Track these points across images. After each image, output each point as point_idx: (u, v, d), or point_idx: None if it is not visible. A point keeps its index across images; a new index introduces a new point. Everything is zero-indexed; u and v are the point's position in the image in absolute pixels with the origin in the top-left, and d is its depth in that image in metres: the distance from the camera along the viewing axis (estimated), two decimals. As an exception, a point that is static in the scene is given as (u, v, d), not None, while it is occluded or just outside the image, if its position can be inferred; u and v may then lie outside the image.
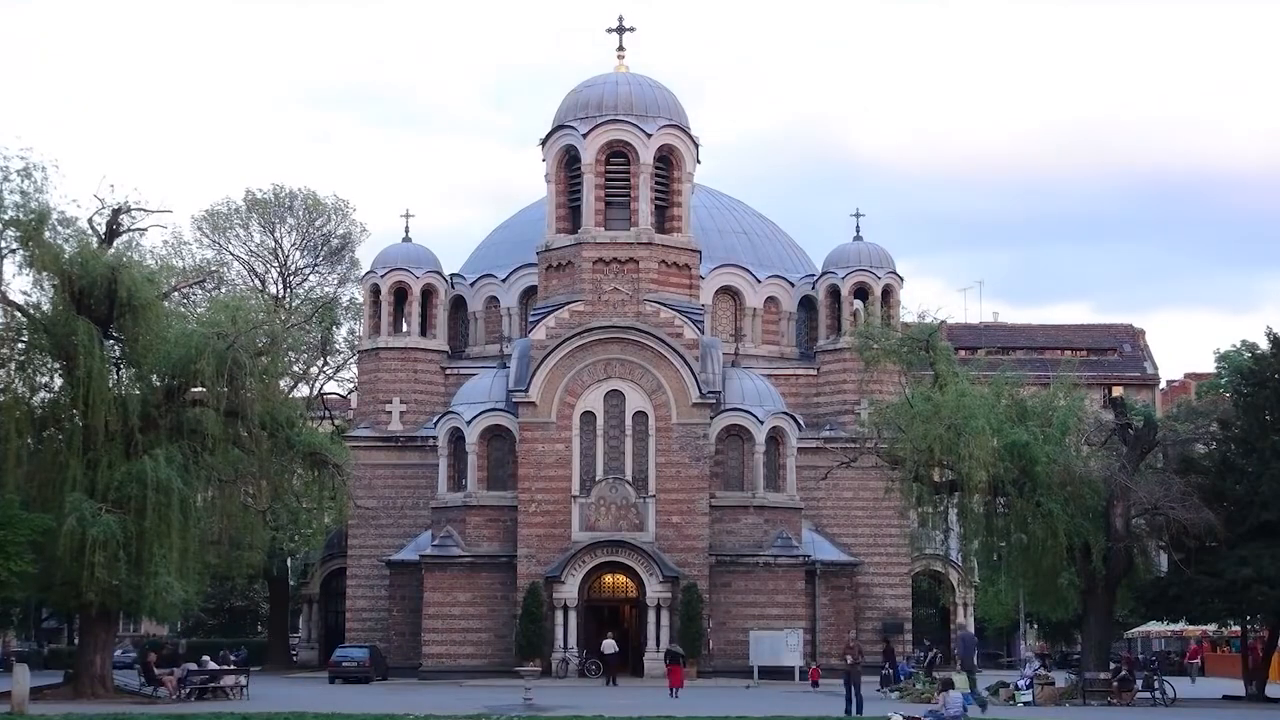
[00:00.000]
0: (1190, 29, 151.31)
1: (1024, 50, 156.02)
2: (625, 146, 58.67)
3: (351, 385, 72.12)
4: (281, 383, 50.11)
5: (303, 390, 69.08)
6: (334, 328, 72.22)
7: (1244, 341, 61.25)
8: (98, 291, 40.50)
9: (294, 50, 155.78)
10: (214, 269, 68.91)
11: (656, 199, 59.11)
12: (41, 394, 42.71)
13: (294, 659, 69.00)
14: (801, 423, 59.51)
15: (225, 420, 41.89)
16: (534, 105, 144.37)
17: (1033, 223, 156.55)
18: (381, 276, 63.85)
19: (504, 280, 64.82)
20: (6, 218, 40.81)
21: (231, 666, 49.36)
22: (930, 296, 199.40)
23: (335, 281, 75.84)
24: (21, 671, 36.48)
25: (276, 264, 74.83)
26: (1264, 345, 45.71)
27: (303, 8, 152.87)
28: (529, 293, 63.08)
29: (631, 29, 61.71)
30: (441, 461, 58.29)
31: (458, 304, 65.82)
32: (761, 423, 57.29)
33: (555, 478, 56.43)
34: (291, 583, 71.58)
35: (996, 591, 50.99)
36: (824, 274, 64.33)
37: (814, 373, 63.45)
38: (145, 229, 45.67)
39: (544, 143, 59.97)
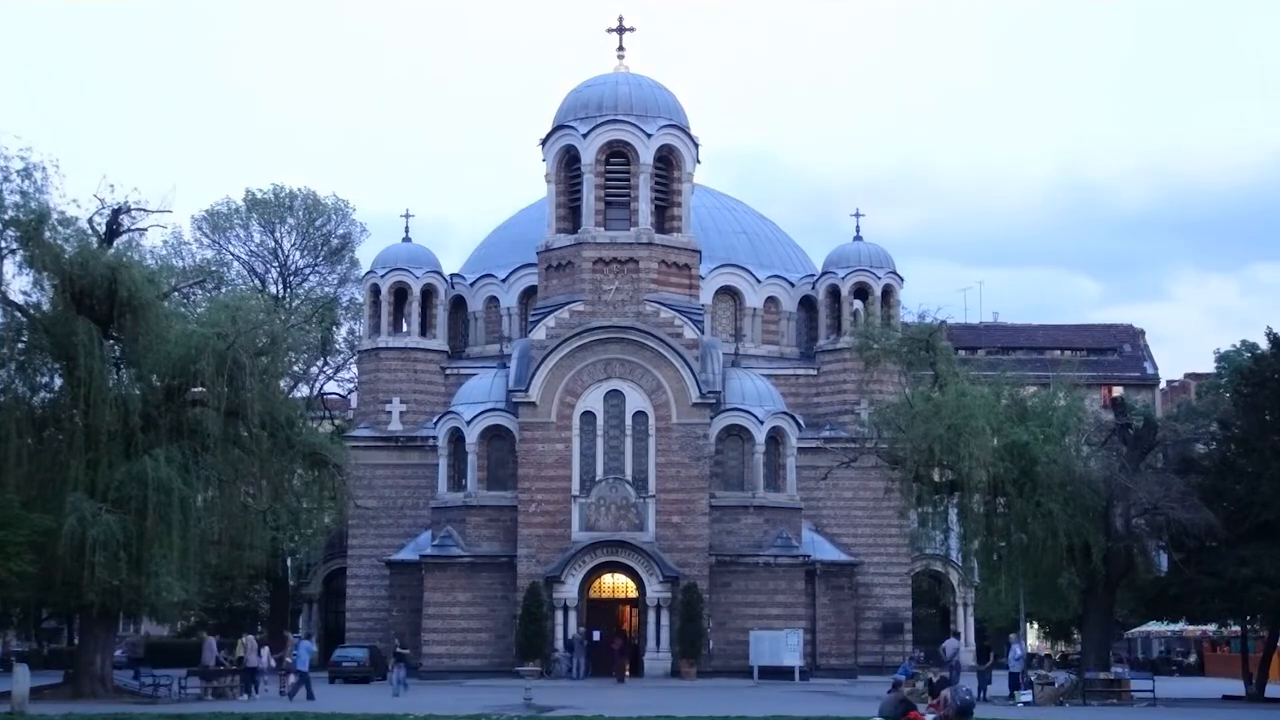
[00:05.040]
0: (1175, 30, 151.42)
1: (1024, 48, 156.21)
2: (625, 147, 58.69)
3: (351, 385, 72.12)
4: (281, 383, 50.04)
5: (303, 390, 69.02)
6: (334, 328, 72.20)
7: (1244, 341, 61.41)
8: (98, 291, 40.44)
9: (294, 50, 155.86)
10: (214, 269, 68.85)
11: (656, 199, 59.13)
12: (41, 394, 42.66)
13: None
14: (801, 423, 59.53)
15: (225, 420, 41.80)
16: (534, 105, 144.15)
17: (1034, 224, 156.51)
18: (381, 277, 63.90)
19: (504, 280, 64.83)
20: (6, 218, 40.77)
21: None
22: (929, 296, 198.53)
23: (335, 281, 75.83)
24: (21, 671, 36.44)
25: (276, 264, 74.80)
26: (1264, 345, 45.74)
27: (303, 7, 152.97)
28: (529, 293, 63.09)
29: (631, 29, 61.80)
30: (441, 461, 58.32)
31: (458, 304, 65.84)
32: (761, 423, 57.30)
33: (555, 478, 56.43)
34: (292, 583, 71.57)
35: (996, 591, 50.99)
36: (824, 274, 64.33)
37: (814, 373, 63.44)
38: (145, 229, 45.71)
39: (544, 143, 60.00)
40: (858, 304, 63.58)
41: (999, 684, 45.38)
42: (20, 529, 37.97)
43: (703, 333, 58.90)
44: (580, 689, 47.31)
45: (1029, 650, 65.40)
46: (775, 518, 57.40)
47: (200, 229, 73.72)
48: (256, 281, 73.22)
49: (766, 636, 54.57)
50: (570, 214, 59.52)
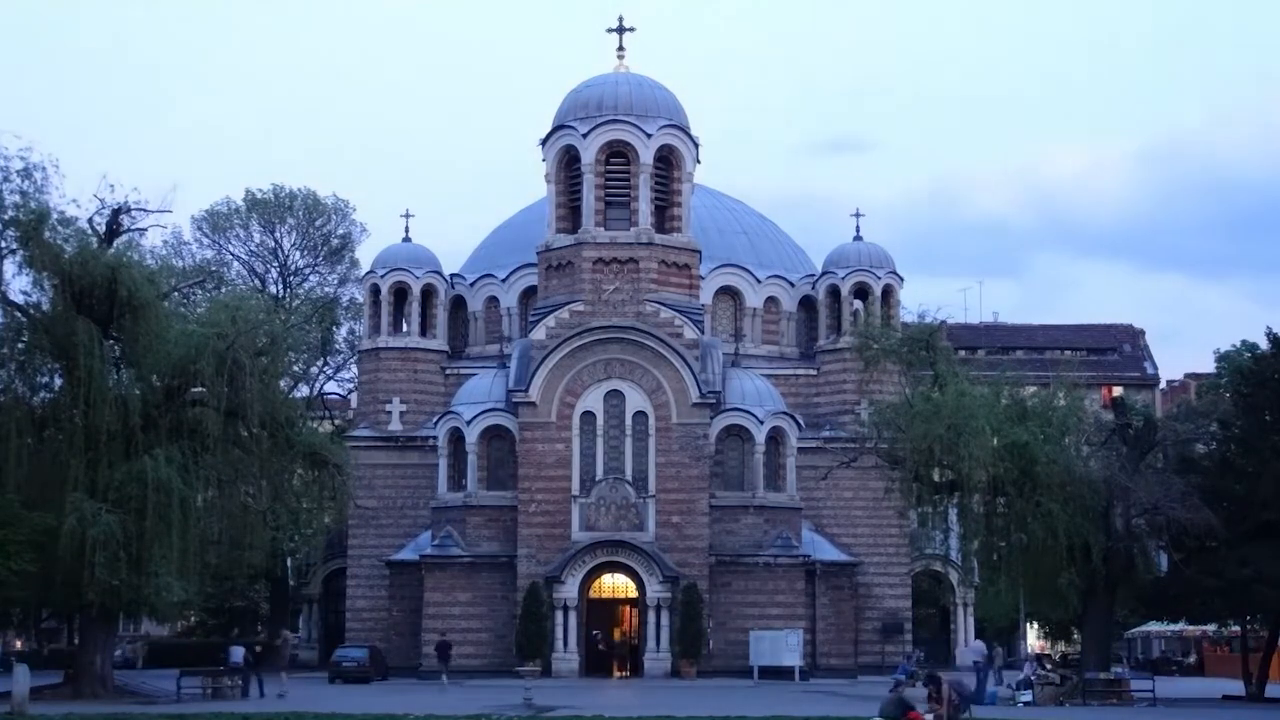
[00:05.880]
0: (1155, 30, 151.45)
1: (1022, 47, 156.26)
2: (625, 146, 58.68)
3: (351, 385, 72.12)
4: (281, 383, 50.06)
5: (303, 390, 69.04)
6: (334, 328, 72.24)
7: (1244, 341, 61.38)
8: (98, 291, 40.44)
9: (294, 50, 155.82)
10: (214, 269, 68.88)
11: (656, 199, 59.13)
12: (41, 394, 42.67)
13: (294, 658, 68.92)
14: (801, 423, 59.51)
15: (225, 420, 41.81)
16: (534, 105, 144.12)
17: (1036, 224, 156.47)
18: (381, 276, 63.91)
19: (504, 280, 64.83)
20: (6, 218, 40.79)
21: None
22: (930, 296, 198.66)
23: (335, 281, 75.91)
24: (21, 672, 36.42)
25: (276, 264, 74.85)
26: (1264, 345, 45.74)
27: (302, 7, 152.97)
28: (529, 293, 63.09)
29: (631, 29, 61.79)
30: (441, 461, 58.32)
31: (458, 304, 65.83)
32: (761, 423, 57.28)
33: (555, 478, 56.42)
34: (292, 583, 71.59)
35: (996, 591, 50.93)
36: (824, 274, 64.32)
37: (814, 373, 63.43)
38: (145, 229, 45.71)
39: (544, 143, 60.00)
40: (858, 304, 63.57)
41: None
42: (20, 528, 38.01)
43: (703, 333, 58.90)
44: (580, 689, 47.31)
45: (1033, 651, 65.40)
46: (775, 518, 57.38)
47: (200, 229, 73.79)
48: (256, 281, 73.25)
49: (766, 636, 54.53)
50: (570, 214, 59.51)
